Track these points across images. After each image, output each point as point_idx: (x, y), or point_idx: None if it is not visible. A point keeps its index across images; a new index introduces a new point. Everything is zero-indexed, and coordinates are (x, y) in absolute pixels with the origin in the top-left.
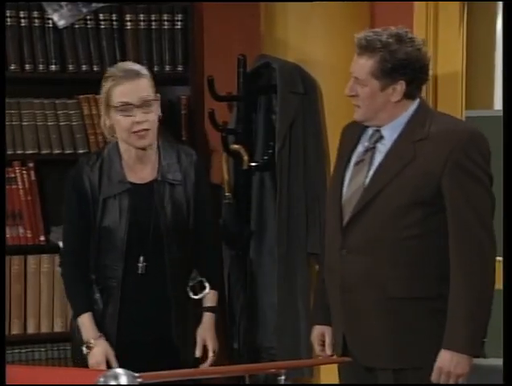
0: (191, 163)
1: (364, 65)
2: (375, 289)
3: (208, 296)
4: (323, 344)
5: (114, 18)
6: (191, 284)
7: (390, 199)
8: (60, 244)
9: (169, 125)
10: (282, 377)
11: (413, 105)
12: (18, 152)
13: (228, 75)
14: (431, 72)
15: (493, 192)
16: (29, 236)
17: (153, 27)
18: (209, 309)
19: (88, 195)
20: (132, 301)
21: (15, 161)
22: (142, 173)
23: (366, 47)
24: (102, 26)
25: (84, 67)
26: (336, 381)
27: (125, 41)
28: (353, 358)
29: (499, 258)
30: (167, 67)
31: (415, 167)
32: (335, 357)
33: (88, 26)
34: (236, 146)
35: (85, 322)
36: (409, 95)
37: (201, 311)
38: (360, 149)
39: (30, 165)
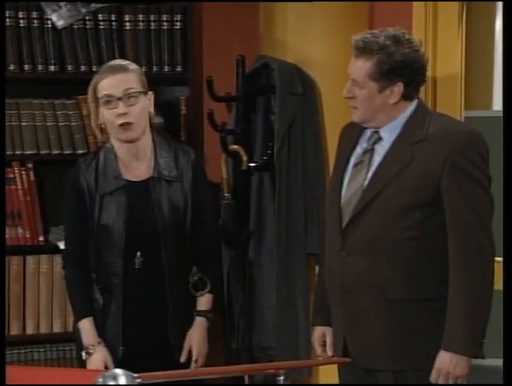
0: (188, 162)
1: (361, 67)
2: (375, 290)
3: (203, 299)
4: (324, 345)
5: (113, 19)
6: (191, 281)
7: (389, 201)
8: (60, 244)
9: (168, 126)
10: (281, 377)
11: (411, 106)
12: (17, 152)
13: (227, 75)
14: (429, 73)
15: (491, 193)
16: (28, 236)
17: (152, 28)
18: (202, 313)
19: (86, 194)
20: (133, 299)
21: (14, 161)
22: (137, 170)
23: (364, 49)
24: (101, 27)
25: (83, 68)
26: (335, 381)
27: (125, 41)
28: (353, 359)
29: (499, 259)
30: (166, 68)
31: (414, 169)
32: (335, 358)
33: (87, 26)
34: (235, 147)
35: (86, 327)
36: (407, 96)
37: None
38: (358, 150)
39: (29, 165)
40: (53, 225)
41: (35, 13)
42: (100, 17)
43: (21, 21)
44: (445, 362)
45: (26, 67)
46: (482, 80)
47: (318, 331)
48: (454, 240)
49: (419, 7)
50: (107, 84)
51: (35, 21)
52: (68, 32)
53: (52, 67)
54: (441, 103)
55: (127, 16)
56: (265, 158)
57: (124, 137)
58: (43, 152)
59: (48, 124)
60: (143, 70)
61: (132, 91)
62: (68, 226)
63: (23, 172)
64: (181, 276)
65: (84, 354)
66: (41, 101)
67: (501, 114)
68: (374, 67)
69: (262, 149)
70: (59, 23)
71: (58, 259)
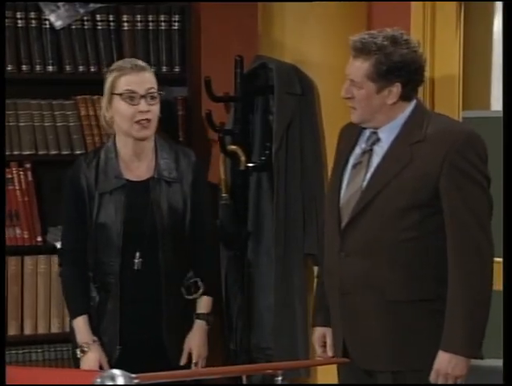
0: (189, 164)
1: (359, 68)
2: (374, 291)
3: (202, 302)
4: (324, 345)
5: (111, 19)
6: (186, 283)
7: (388, 202)
8: (58, 244)
9: (166, 126)
10: (279, 377)
11: (409, 107)
12: (15, 153)
13: (225, 75)
14: (427, 73)
15: (490, 193)
16: (26, 236)
17: (150, 28)
18: (201, 316)
19: (85, 192)
20: (130, 299)
21: (12, 162)
22: (138, 170)
23: (361, 50)
24: (99, 27)
25: (81, 68)
26: (334, 381)
27: (123, 42)
28: (352, 360)
29: (499, 259)
30: (164, 68)
31: (413, 169)
32: (333, 358)
33: (85, 26)
34: (233, 147)
35: (80, 325)
36: (405, 97)
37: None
38: (357, 151)
39: (27, 166)
40: (51, 225)
41: (33, 13)
42: (98, 17)
43: (19, 21)
44: (444, 362)
45: (24, 67)
46: (480, 80)
47: (318, 332)
48: (452, 241)
49: (416, 7)
50: (130, 81)
51: (33, 21)
52: (66, 32)
53: (50, 68)
54: (439, 103)
55: (125, 16)
56: (263, 158)
57: (139, 134)
58: (41, 152)
59: (46, 124)
60: None
61: (153, 91)
62: (66, 224)
63: (21, 172)
64: (178, 277)
65: (78, 352)
66: (39, 102)
67: (499, 114)
68: (372, 68)
69: (260, 150)
70: (58, 24)
71: (56, 259)
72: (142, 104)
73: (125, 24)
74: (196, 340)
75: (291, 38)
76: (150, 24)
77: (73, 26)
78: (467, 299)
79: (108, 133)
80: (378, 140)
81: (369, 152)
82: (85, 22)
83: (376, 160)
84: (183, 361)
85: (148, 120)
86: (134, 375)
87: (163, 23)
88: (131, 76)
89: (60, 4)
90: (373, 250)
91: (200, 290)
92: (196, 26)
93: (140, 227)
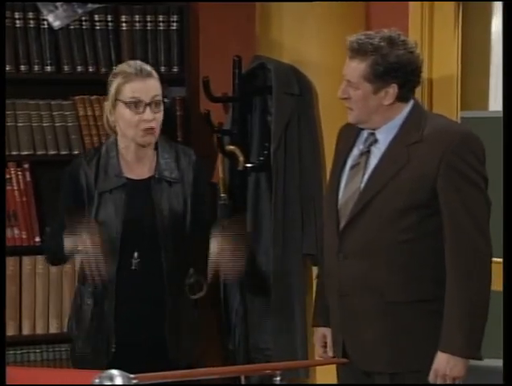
0: (189, 163)
1: (356, 68)
2: (372, 292)
3: None
4: (325, 346)
5: (109, 19)
6: (188, 283)
7: (386, 203)
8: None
9: (164, 126)
10: (278, 378)
11: (407, 107)
12: (14, 153)
13: (223, 76)
14: (425, 73)
15: (487, 194)
16: (24, 237)
17: (148, 28)
18: None
19: (84, 189)
20: (126, 298)
21: (10, 162)
22: (139, 170)
23: (358, 51)
24: (97, 27)
25: (79, 68)
26: (332, 382)
27: (121, 42)
28: (351, 361)
29: (499, 259)
30: (163, 68)
31: (410, 170)
32: (331, 358)
33: (84, 27)
34: (231, 147)
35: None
36: (402, 97)
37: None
38: (355, 152)
39: (26, 166)
40: (49, 226)
41: (31, 13)
42: (96, 17)
43: (17, 21)
44: (442, 363)
45: (23, 67)
46: (478, 81)
47: (319, 332)
48: (450, 242)
49: (415, 7)
50: (136, 88)
51: (32, 21)
52: (65, 33)
53: (49, 68)
54: (437, 103)
55: (123, 16)
56: (261, 158)
57: (143, 141)
58: (39, 153)
59: (45, 124)
60: None
61: (158, 98)
62: (58, 215)
63: (19, 173)
64: (180, 275)
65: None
66: (37, 102)
67: (497, 115)
68: (369, 69)
69: (259, 150)
70: (56, 24)
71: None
72: (147, 113)
73: (124, 24)
74: None
75: (289, 38)
76: (149, 24)
77: (71, 27)
78: (464, 300)
79: (108, 134)
80: (376, 141)
81: (366, 153)
82: (83, 23)
83: (373, 161)
84: None
85: (153, 128)
86: (132, 376)
87: (161, 23)
88: (136, 84)
89: (58, 4)
90: (371, 251)
91: (204, 290)
92: (194, 26)
93: (140, 227)
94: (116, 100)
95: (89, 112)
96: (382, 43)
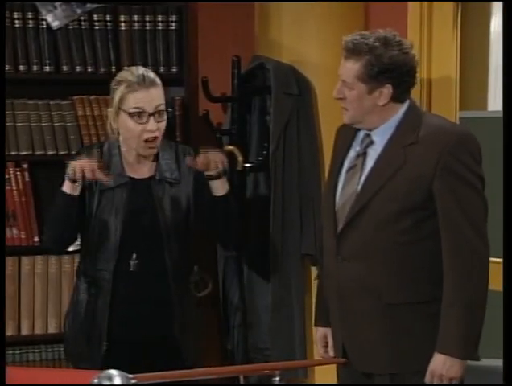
0: None
1: (351, 68)
2: (371, 295)
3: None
4: (326, 346)
5: (108, 19)
6: (193, 281)
7: (383, 205)
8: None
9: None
10: (277, 378)
11: (402, 108)
12: (12, 153)
13: (222, 76)
14: (424, 73)
15: (484, 194)
16: (23, 237)
17: (147, 28)
18: None
19: (85, 186)
20: (123, 298)
21: (9, 162)
22: (140, 170)
23: (353, 51)
24: (96, 27)
25: (78, 68)
26: (331, 381)
27: (120, 42)
28: (351, 363)
29: (499, 259)
30: (162, 68)
31: (407, 172)
32: (330, 358)
33: (83, 27)
34: (230, 147)
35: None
36: (397, 98)
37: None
38: (351, 154)
39: (24, 166)
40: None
41: (30, 13)
42: (95, 17)
43: (16, 21)
44: (439, 364)
45: (21, 67)
46: (477, 80)
47: (320, 332)
48: (447, 243)
49: (414, 7)
50: (139, 98)
51: (30, 21)
52: (63, 33)
53: (47, 68)
54: (436, 103)
55: (122, 16)
56: (260, 158)
57: (145, 153)
58: (38, 153)
59: (43, 124)
60: None
61: (162, 108)
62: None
63: (18, 173)
64: (184, 276)
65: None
66: (36, 102)
67: (495, 114)
68: (363, 69)
69: (258, 150)
70: (55, 24)
71: (53, 260)
72: (151, 124)
73: (123, 24)
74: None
75: (288, 38)
76: (148, 24)
77: (70, 27)
78: (461, 301)
79: (109, 134)
80: (372, 142)
81: (363, 155)
82: (82, 23)
83: (370, 163)
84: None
85: (155, 138)
86: (131, 376)
87: (160, 23)
88: (140, 94)
89: (57, 4)
90: (369, 253)
91: (209, 287)
92: (193, 26)
93: (139, 226)
94: (119, 108)
95: (88, 112)
96: (377, 44)
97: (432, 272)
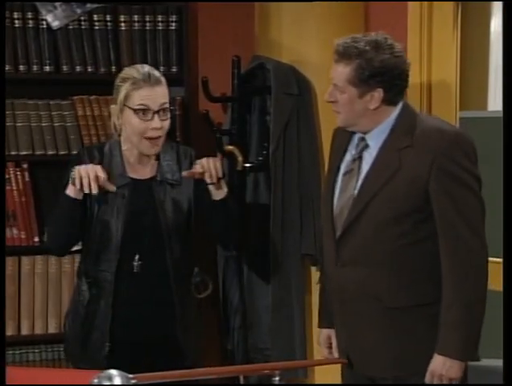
0: (190, 163)
1: (341, 72)
2: (372, 299)
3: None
4: (330, 347)
5: (108, 19)
6: (194, 282)
7: (381, 209)
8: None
9: None
10: (277, 378)
11: (396, 110)
12: (12, 153)
13: (222, 76)
14: (425, 73)
15: (481, 194)
16: (23, 237)
17: (147, 28)
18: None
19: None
20: (125, 299)
21: (9, 162)
22: (141, 171)
23: (343, 55)
24: (96, 27)
25: (78, 68)
26: (331, 381)
27: (120, 42)
28: (354, 367)
29: (499, 259)
30: (162, 68)
31: (402, 175)
32: (330, 358)
33: (83, 27)
34: (230, 147)
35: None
36: (389, 101)
37: None
38: (348, 157)
39: (24, 166)
40: (49, 222)
41: (30, 13)
42: (95, 17)
43: (16, 21)
44: (439, 365)
45: (21, 67)
46: (477, 80)
47: (324, 334)
48: (444, 244)
49: (414, 8)
50: (143, 95)
51: (30, 21)
52: (63, 33)
53: (47, 68)
54: (436, 103)
55: (122, 16)
56: (260, 158)
57: (148, 151)
58: (38, 153)
59: (43, 124)
60: None
61: (166, 106)
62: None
63: (18, 173)
64: (185, 275)
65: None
66: (36, 102)
67: (496, 114)
68: (354, 73)
69: (258, 150)
70: (55, 24)
71: (53, 260)
72: (155, 121)
73: (123, 24)
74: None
75: (288, 38)
76: (148, 24)
77: (70, 27)
78: (460, 302)
79: (109, 134)
80: (367, 146)
81: (358, 159)
82: (82, 23)
83: (366, 167)
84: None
85: (159, 136)
86: (131, 376)
87: (160, 23)
88: (145, 91)
89: (57, 4)
90: (368, 258)
91: (210, 288)
92: (193, 26)
93: (141, 228)
94: (124, 105)
95: (88, 112)
96: (367, 47)
97: (433, 273)
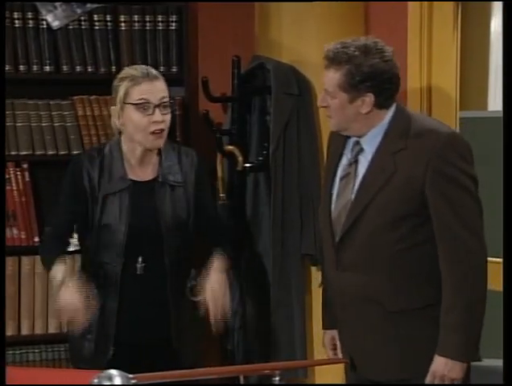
0: (192, 165)
1: (331, 78)
2: (373, 304)
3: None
4: (335, 348)
5: (108, 19)
6: (189, 285)
7: (378, 213)
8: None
9: None
10: (277, 378)
11: (389, 113)
12: (13, 153)
13: (222, 76)
14: (425, 74)
15: (477, 195)
16: (23, 237)
17: (147, 28)
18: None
19: (87, 191)
20: (130, 301)
21: (9, 162)
22: (142, 172)
23: (333, 60)
24: (96, 27)
25: (78, 68)
26: (331, 381)
27: (120, 42)
28: (358, 371)
29: (499, 259)
30: (162, 68)
31: (398, 179)
32: (330, 358)
33: (83, 27)
34: (230, 147)
35: (59, 269)
36: (380, 105)
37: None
38: (344, 161)
39: (24, 166)
40: (48, 227)
41: (30, 13)
42: (95, 17)
43: (16, 21)
44: (440, 366)
45: (22, 67)
46: (477, 80)
47: (327, 335)
48: (442, 246)
49: (414, 8)
50: (143, 90)
51: (31, 21)
52: (64, 33)
53: (48, 68)
54: (436, 103)
55: (122, 16)
56: (260, 158)
57: (152, 145)
58: (38, 153)
59: (43, 124)
60: None
61: (166, 100)
62: (58, 208)
63: (18, 173)
64: (183, 277)
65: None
66: (36, 102)
67: (496, 114)
68: (344, 78)
69: (258, 150)
70: (55, 24)
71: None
72: (157, 115)
73: (123, 24)
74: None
75: (288, 38)
76: (148, 24)
77: (70, 27)
78: (460, 303)
79: (109, 134)
80: (362, 150)
81: (354, 163)
82: (82, 23)
83: (362, 171)
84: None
85: (162, 130)
86: (131, 376)
87: (160, 23)
88: (144, 85)
89: (57, 4)
90: (368, 263)
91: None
92: (193, 26)
93: (143, 229)
94: (124, 103)
95: (88, 112)
96: (357, 53)
97: (432, 275)
